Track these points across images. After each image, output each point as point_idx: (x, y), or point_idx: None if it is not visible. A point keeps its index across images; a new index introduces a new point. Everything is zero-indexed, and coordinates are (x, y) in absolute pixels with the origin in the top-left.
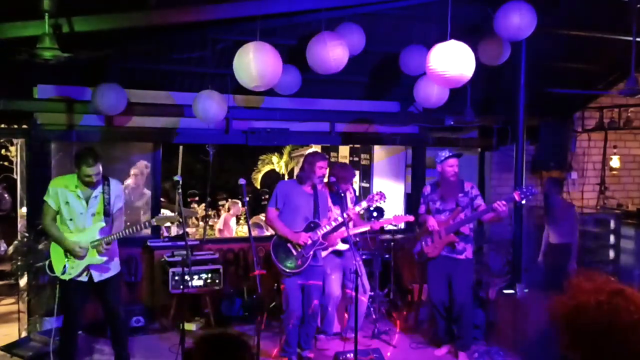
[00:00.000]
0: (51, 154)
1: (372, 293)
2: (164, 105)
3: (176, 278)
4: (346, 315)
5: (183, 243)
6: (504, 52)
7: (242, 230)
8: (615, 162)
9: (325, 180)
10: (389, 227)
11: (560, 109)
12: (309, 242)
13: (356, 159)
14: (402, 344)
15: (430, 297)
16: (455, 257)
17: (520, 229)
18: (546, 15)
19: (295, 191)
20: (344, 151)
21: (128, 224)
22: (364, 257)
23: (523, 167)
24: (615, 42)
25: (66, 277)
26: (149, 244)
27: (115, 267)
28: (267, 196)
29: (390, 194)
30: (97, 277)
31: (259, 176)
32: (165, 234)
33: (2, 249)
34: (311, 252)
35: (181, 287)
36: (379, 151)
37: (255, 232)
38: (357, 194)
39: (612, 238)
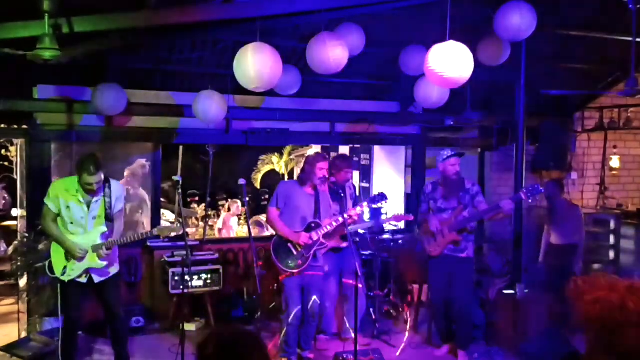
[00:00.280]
0: (51, 154)
1: (372, 293)
2: (164, 105)
3: (176, 278)
4: (344, 316)
5: (183, 243)
6: (504, 52)
7: (242, 231)
8: (615, 162)
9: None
10: (389, 227)
11: (560, 109)
12: (310, 242)
13: (356, 159)
14: (402, 344)
15: (430, 296)
16: (458, 255)
17: (520, 229)
18: (546, 15)
19: (297, 192)
20: (344, 151)
21: (129, 233)
22: (363, 257)
23: (523, 167)
24: (615, 42)
25: (65, 278)
26: (148, 244)
27: (115, 267)
28: (267, 196)
29: (390, 194)
30: (96, 278)
31: (259, 176)
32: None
33: (2, 249)
34: (311, 252)
35: (181, 287)
36: (379, 151)
37: (255, 231)
38: (357, 194)
39: (612, 238)
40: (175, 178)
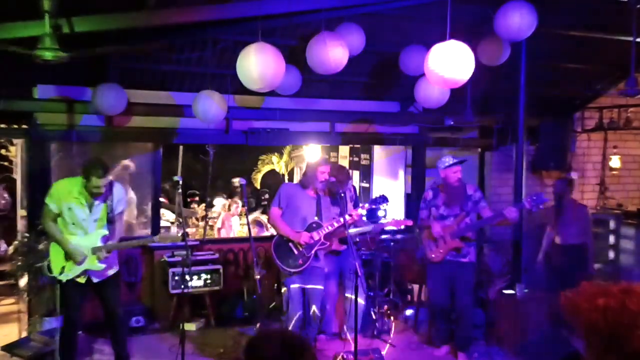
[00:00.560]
0: (51, 154)
1: (372, 293)
2: (164, 105)
3: (176, 278)
4: (345, 316)
5: (183, 243)
6: (504, 52)
7: (242, 231)
8: (615, 162)
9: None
10: (389, 227)
11: (560, 109)
12: (311, 241)
13: (356, 159)
14: (402, 344)
15: (430, 300)
16: (460, 260)
17: (520, 229)
18: (546, 15)
19: (299, 194)
20: (344, 151)
21: (130, 241)
22: (363, 257)
23: (523, 167)
24: (615, 42)
25: (63, 278)
26: (148, 244)
27: (114, 267)
28: (267, 196)
29: (390, 194)
30: (95, 279)
31: (259, 176)
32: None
33: (2, 249)
34: (312, 252)
35: (181, 287)
36: (379, 151)
37: (255, 230)
38: (358, 194)
39: (612, 238)
40: (175, 178)
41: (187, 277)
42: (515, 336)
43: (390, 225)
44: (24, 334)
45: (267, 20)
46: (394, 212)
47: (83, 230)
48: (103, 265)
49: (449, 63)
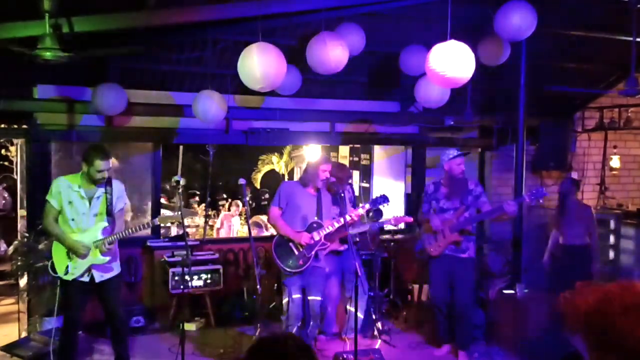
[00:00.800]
0: (51, 154)
1: (372, 293)
2: (164, 105)
3: (176, 278)
4: (345, 315)
5: (183, 243)
6: (504, 52)
7: (242, 231)
8: (615, 162)
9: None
10: (389, 227)
11: (560, 109)
12: (312, 241)
13: (356, 159)
14: (402, 344)
15: (431, 296)
16: (459, 255)
17: (521, 229)
18: (546, 15)
19: (299, 192)
20: (344, 151)
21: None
22: (363, 257)
23: (523, 167)
24: (615, 42)
25: (69, 277)
26: (149, 244)
27: (116, 268)
28: (267, 196)
29: (391, 194)
30: (98, 277)
31: (259, 176)
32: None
33: (2, 249)
34: (313, 252)
35: (181, 287)
36: (379, 151)
37: (254, 232)
38: (357, 194)
39: (612, 238)
40: (175, 178)
41: (187, 277)
42: (515, 336)
43: (390, 222)
44: (24, 334)
45: (267, 20)
46: (394, 213)
47: (84, 224)
48: (107, 258)
49: (450, 63)
